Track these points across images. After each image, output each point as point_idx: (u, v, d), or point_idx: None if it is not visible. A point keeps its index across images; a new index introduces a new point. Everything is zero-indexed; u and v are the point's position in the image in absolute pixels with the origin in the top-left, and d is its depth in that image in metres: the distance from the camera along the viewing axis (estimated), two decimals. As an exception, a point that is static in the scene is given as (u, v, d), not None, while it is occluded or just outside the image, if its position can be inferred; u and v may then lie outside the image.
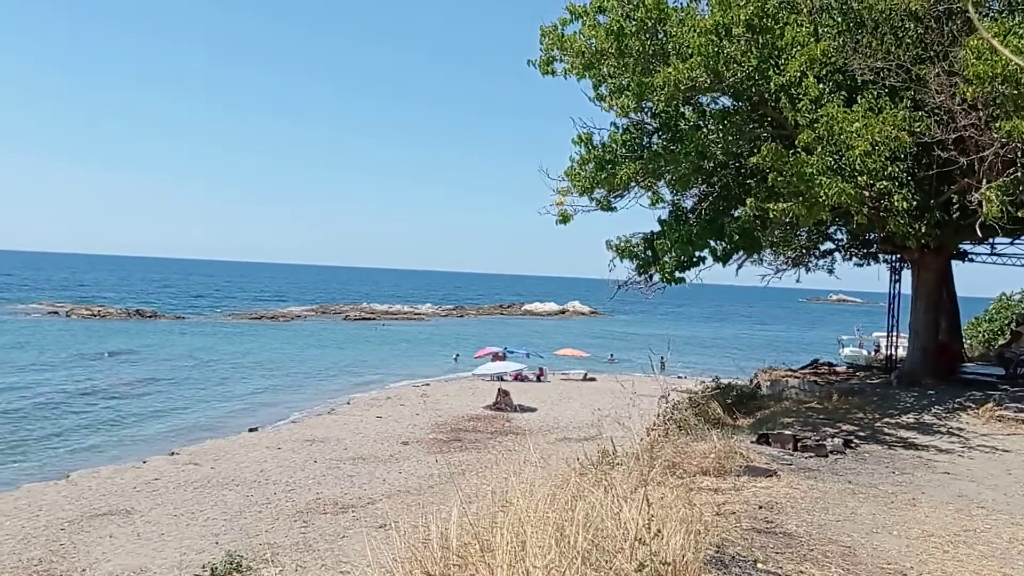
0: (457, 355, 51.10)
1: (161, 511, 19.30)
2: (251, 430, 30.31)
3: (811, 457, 12.08)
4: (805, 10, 14.02)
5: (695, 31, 12.25)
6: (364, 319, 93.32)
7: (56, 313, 78.99)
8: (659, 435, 13.09)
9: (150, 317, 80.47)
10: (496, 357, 49.30)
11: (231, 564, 12.93)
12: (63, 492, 21.18)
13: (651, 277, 16.36)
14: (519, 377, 45.23)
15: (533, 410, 35.03)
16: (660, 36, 12.89)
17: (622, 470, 8.14)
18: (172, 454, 25.89)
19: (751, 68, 12.44)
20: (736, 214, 15.50)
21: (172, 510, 19.40)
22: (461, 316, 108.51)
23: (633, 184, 14.58)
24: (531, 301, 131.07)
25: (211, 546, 16.65)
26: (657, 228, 15.83)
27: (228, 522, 18.49)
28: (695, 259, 15.53)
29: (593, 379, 47.50)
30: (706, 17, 12.57)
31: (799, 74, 12.42)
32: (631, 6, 12.66)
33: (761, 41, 12.44)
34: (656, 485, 8.07)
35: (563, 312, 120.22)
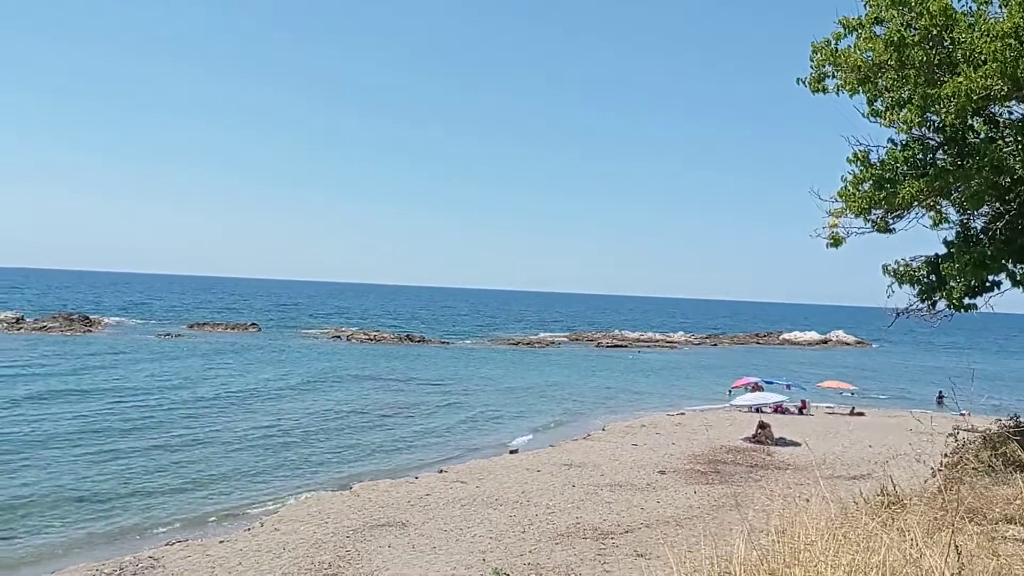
0: (731, 390, 49.67)
1: (432, 525, 20.41)
2: (512, 452, 31.40)
3: None
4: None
5: (988, 36, 11.17)
6: (616, 346, 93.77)
7: (339, 338, 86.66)
8: (950, 476, 11.92)
9: (419, 342, 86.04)
10: (755, 388, 47.67)
11: (499, 581, 13.37)
12: (347, 502, 23.03)
13: (935, 304, 15.01)
14: (779, 409, 43.34)
15: (796, 444, 33.31)
16: (947, 44, 11.90)
17: (917, 512, 7.50)
18: (441, 472, 27.34)
19: (1058, 72, 11.13)
20: (1039, 234, 13.88)
21: (442, 525, 20.45)
22: (715, 345, 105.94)
23: (915, 203, 13.50)
24: (790, 330, 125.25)
25: (479, 562, 17.34)
26: (942, 250, 14.54)
27: (493, 540, 19.17)
28: (988, 284, 14.06)
29: (861, 414, 44.48)
30: (1002, 20, 11.45)
31: (1119, 75, 10.95)
32: (913, 15, 11.81)
33: (1070, 41, 11.11)
34: (953, 531, 7.37)
35: (825, 342, 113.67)
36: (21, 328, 74.84)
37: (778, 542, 5.49)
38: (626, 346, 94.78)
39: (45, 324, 77.07)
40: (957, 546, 5.10)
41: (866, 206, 13.20)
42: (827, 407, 46.90)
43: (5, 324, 75.70)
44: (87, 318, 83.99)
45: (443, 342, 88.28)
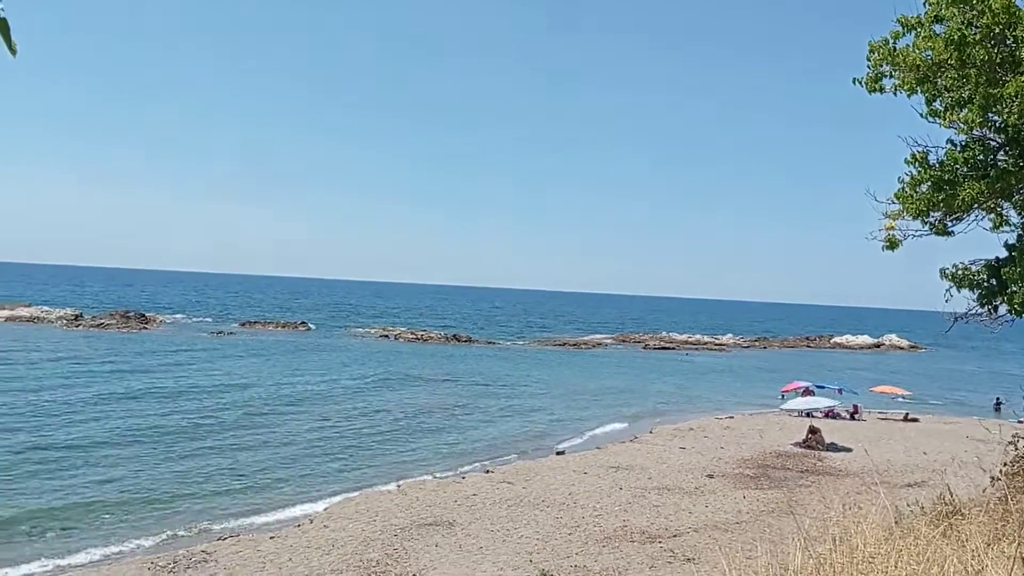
0: (782, 394, 49.03)
1: (479, 526, 20.48)
2: (558, 453, 31.37)
3: None
4: None
5: (1054, 33, 10.88)
6: (664, 348, 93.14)
7: (387, 337, 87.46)
8: (1011, 486, 11.60)
9: (465, 342, 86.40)
10: (805, 392, 46.97)
11: (546, 583, 13.36)
12: (395, 500, 23.23)
13: (996, 309, 14.62)
14: (830, 414, 42.62)
15: (848, 450, 32.76)
16: (1009, 42, 11.60)
17: (975, 522, 7.32)
18: (487, 472, 27.43)
19: None
20: (1105, 237, 13.45)
21: (489, 525, 20.51)
22: (764, 348, 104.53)
23: (975, 205, 13.17)
24: (841, 333, 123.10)
25: (525, 563, 17.37)
26: (1003, 253, 14.17)
27: (540, 541, 19.18)
28: (1052, 289, 13.65)
29: (915, 419, 43.52)
30: (1068, 16, 11.14)
31: None
32: (974, 12, 11.53)
33: None
34: (1019, 543, 7.18)
35: (878, 346, 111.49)
36: (80, 325, 76.88)
37: (835, 551, 5.39)
38: (674, 348, 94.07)
39: (102, 321, 79.06)
40: (1023, 557, 4.95)
41: (924, 208, 12.91)
42: (880, 412, 45.98)
43: (64, 321, 77.83)
44: (143, 315, 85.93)
45: (489, 342, 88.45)
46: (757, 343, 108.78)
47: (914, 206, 12.91)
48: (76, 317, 79.91)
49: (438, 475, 27.21)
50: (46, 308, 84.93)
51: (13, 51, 2.93)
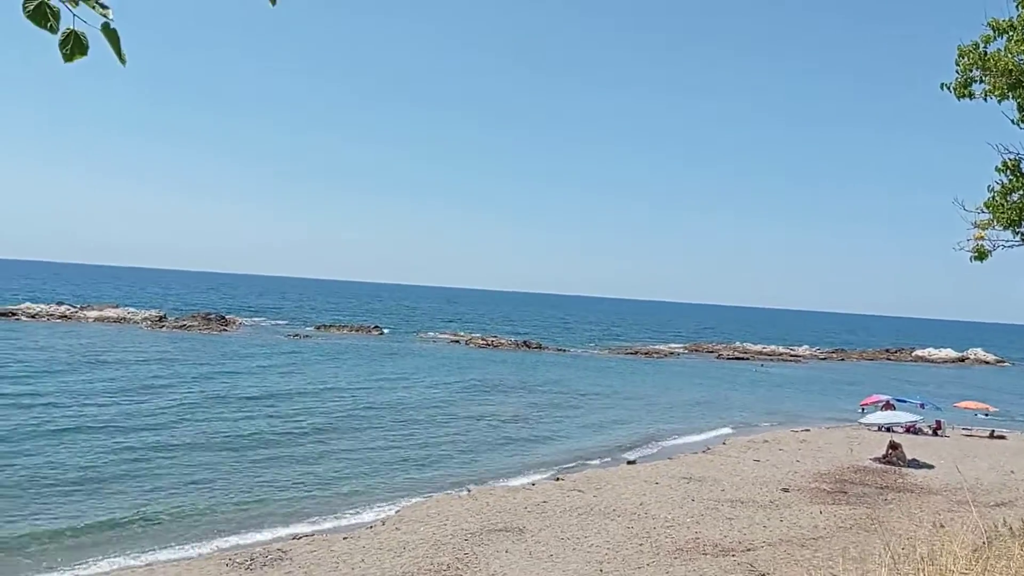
0: (862, 408, 47.76)
1: (549, 533, 20.44)
2: (629, 463, 31.09)
3: None
4: None
5: None
6: (737, 358, 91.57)
7: (457, 342, 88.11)
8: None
9: (535, 348, 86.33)
10: (886, 406, 45.68)
11: (618, 593, 13.23)
12: (465, 505, 23.36)
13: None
14: (912, 429, 41.32)
15: (930, 467, 31.70)
16: (1110, 45, 11.12)
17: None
18: (557, 479, 27.38)
19: None
20: None
21: (559, 533, 20.45)
22: (841, 360, 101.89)
23: (1071, 216, 12.62)
24: (923, 346, 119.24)
25: (595, 572, 17.28)
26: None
27: (611, 551, 19.04)
28: None
29: (1002, 437, 41.91)
30: None
31: None
32: (1072, 14, 11.09)
33: None
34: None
35: (962, 360, 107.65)
36: (163, 326, 79.48)
37: (923, 571, 5.22)
38: (748, 358, 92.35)
39: (185, 323, 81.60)
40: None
41: (1016, 217, 12.44)
42: (964, 429, 44.39)
43: (149, 322, 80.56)
44: (223, 318, 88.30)
45: (560, 349, 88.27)
46: (834, 355, 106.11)
47: (1005, 216, 12.44)
48: (160, 319, 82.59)
49: (508, 481, 27.28)
50: (132, 309, 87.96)
51: (123, 60, 3.09)
